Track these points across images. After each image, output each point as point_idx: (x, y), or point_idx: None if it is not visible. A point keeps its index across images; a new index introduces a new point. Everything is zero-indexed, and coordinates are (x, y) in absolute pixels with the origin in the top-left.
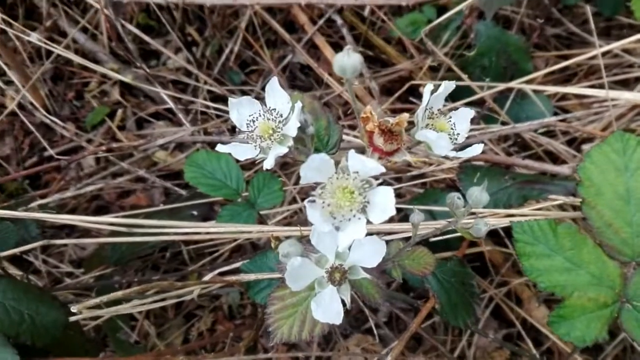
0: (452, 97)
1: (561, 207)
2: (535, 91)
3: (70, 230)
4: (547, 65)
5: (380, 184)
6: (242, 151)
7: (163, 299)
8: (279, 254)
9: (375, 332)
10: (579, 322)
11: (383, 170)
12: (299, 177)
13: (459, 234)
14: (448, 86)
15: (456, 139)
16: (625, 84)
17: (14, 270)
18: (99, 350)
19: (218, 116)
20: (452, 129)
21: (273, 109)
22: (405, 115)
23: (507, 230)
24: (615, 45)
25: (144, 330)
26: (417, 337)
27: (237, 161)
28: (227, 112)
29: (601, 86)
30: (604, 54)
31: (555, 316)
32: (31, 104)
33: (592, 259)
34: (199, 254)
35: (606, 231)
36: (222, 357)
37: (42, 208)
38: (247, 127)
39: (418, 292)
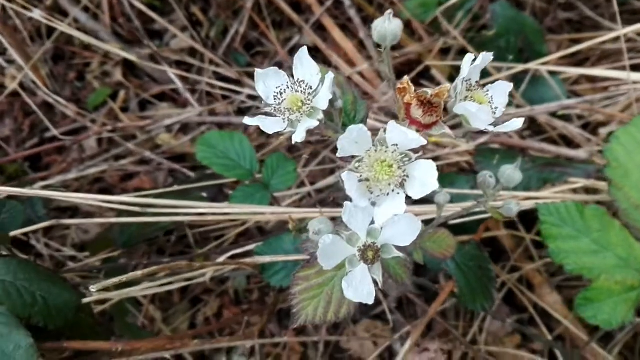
0: None
1: (574, 191)
2: (549, 73)
3: (73, 213)
4: (560, 48)
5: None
6: (270, 124)
7: (172, 282)
8: (309, 231)
9: (386, 317)
10: (605, 305)
11: (424, 142)
12: (307, 160)
13: (476, 217)
14: (486, 57)
15: (494, 113)
16: (638, 68)
17: (17, 254)
18: (109, 334)
19: (224, 97)
20: (489, 102)
21: (302, 81)
22: (447, 86)
23: (522, 214)
24: (636, 28)
25: (149, 315)
26: (428, 323)
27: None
28: (234, 93)
29: (616, 69)
30: (617, 38)
31: (582, 299)
32: (34, 83)
33: (619, 242)
34: (204, 238)
35: (633, 213)
36: (236, 340)
37: (47, 188)
38: (275, 99)
39: (430, 276)
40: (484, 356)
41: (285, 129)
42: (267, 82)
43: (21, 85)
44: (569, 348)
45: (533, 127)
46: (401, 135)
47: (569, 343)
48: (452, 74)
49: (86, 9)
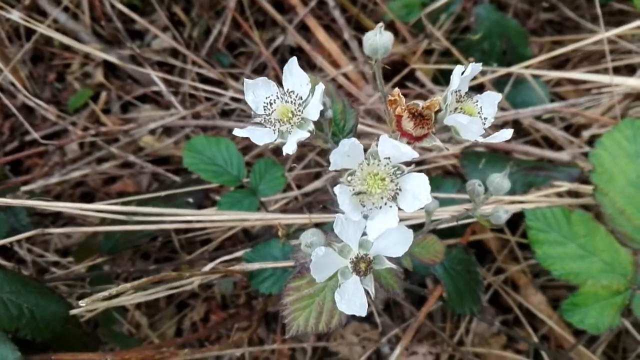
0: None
1: (559, 194)
2: (532, 76)
3: (54, 218)
4: (542, 50)
5: (412, 171)
6: (260, 136)
7: (162, 289)
8: (301, 244)
9: (374, 319)
10: (592, 310)
11: (417, 155)
12: (293, 163)
13: (463, 221)
14: (475, 68)
15: (484, 124)
16: (617, 71)
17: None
18: (97, 343)
19: (207, 99)
20: (479, 113)
21: (291, 91)
22: (437, 99)
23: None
24: (619, 31)
25: (135, 321)
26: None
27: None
28: (217, 95)
29: (597, 71)
30: (599, 41)
31: (569, 304)
32: (13, 85)
33: (604, 246)
34: (190, 242)
35: (618, 218)
36: (226, 349)
37: (30, 195)
38: (264, 110)
39: (416, 279)
40: (471, 358)
41: (275, 140)
42: (257, 92)
43: (0, 87)
44: (553, 347)
45: (517, 129)
46: (393, 149)
47: (554, 342)
48: (437, 75)
49: (66, 9)
